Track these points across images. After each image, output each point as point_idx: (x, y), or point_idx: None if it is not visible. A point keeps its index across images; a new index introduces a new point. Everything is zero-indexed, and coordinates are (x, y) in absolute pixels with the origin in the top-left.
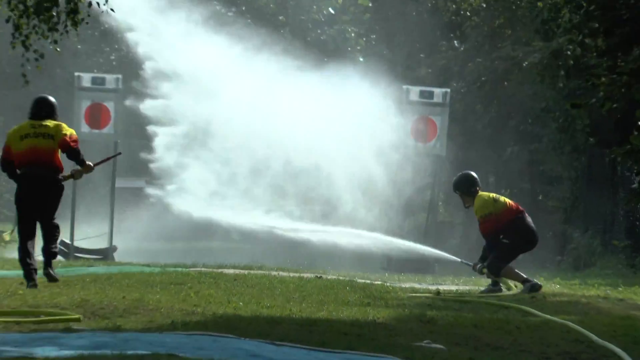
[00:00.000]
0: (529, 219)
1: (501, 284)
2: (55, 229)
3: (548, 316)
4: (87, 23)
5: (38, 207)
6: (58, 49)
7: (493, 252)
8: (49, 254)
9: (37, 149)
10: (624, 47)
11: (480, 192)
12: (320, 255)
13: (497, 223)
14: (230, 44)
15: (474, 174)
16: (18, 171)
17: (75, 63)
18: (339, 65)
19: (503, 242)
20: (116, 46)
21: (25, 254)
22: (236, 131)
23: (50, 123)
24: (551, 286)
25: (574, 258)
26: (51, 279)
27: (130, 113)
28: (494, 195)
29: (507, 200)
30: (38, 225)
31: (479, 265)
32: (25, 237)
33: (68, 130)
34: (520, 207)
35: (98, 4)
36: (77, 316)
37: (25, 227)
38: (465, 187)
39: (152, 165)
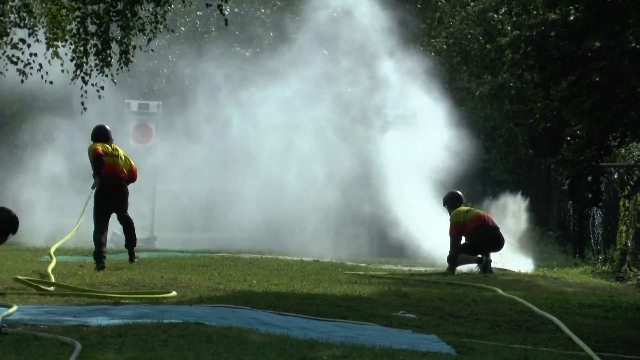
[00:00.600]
0: (492, 228)
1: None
2: (131, 219)
3: (499, 291)
4: (131, 62)
5: (117, 206)
6: (115, 82)
7: (453, 248)
8: (133, 238)
9: (116, 167)
10: (555, 80)
11: (460, 207)
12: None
13: (463, 229)
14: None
15: (459, 192)
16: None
17: (123, 91)
18: None
19: (464, 242)
20: (157, 79)
21: (101, 243)
22: None
23: (119, 149)
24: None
25: (518, 245)
26: (132, 259)
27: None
28: (469, 208)
29: (480, 213)
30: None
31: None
32: (103, 228)
33: (132, 161)
34: (486, 219)
35: (140, 47)
36: (173, 294)
37: (104, 221)
38: (451, 203)
39: None
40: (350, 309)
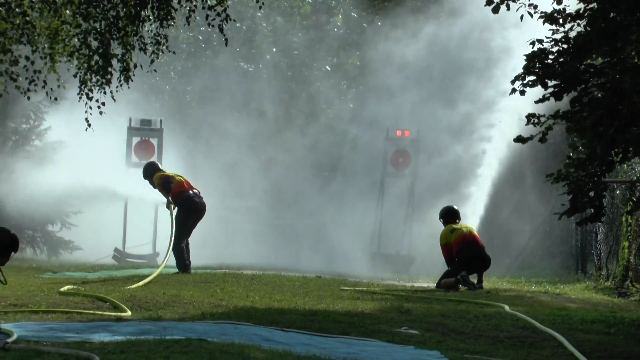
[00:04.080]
0: (476, 249)
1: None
2: None
3: (506, 307)
4: (132, 80)
5: None
6: (115, 99)
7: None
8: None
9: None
10: (557, 96)
11: (448, 225)
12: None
13: (451, 250)
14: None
15: (455, 207)
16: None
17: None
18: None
19: (455, 262)
20: (160, 95)
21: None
22: None
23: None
24: (502, 284)
25: (520, 261)
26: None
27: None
28: (456, 227)
29: (465, 233)
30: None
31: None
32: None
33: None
34: (470, 240)
35: (141, 66)
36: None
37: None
38: (445, 219)
39: None
40: (353, 325)
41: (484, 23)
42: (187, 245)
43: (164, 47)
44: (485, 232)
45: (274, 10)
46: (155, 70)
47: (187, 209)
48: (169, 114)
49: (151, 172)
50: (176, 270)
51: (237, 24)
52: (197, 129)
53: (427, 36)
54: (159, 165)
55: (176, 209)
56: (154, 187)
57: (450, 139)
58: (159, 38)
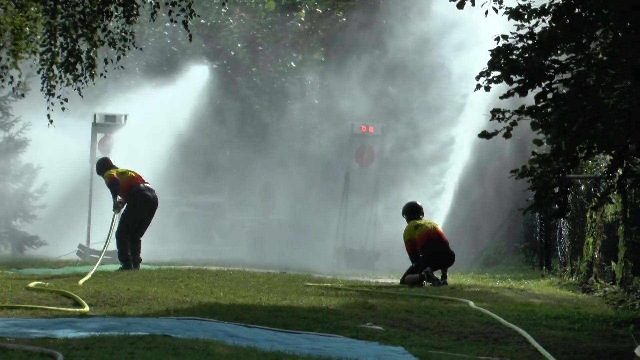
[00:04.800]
0: (440, 245)
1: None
2: None
3: (471, 303)
4: (105, 77)
5: None
6: (82, 95)
7: (410, 266)
8: None
9: None
10: (521, 91)
11: (412, 221)
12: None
13: (415, 246)
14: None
15: (418, 203)
16: None
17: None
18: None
19: (420, 258)
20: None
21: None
22: None
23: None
24: (467, 279)
25: (485, 257)
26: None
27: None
28: (420, 222)
29: (429, 229)
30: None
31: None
32: None
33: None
34: (433, 236)
35: (111, 60)
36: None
37: None
38: (409, 214)
39: None
40: (317, 320)
41: (451, 19)
42: (140, 242)
43: (131, 44)
44: (450, 227)
45: (238, 5)
46: (122, 67)
47: (139, 202)
48: (133, 110)
49: (102, 169)
50: (120, 266)
51: (202, 20)
52: (163, 126)
53: (393, 32)
54: (112, 161)
55: (124, 207)
56: (106, 184)
57: (415, 135)
58: (125, 35)
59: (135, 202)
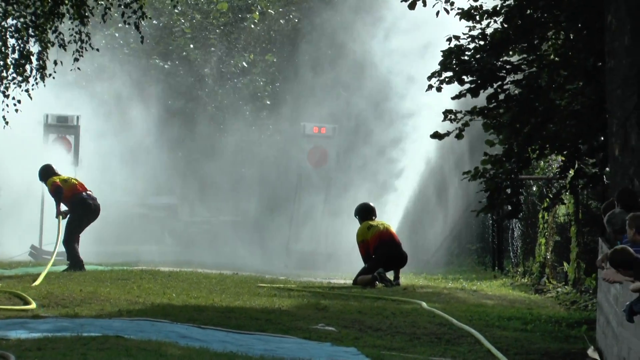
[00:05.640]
0: (393, 246)
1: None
2: None
3: (423, 304)
4: (53, 78)
5: None
6: (31, 97)
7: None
8: None
9: None
10: (473, 92)
11: (364, 222)
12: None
13: (368, 247)
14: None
15: (371, 204)
16: None
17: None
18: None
19: (372, 259)
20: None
21: None
22: None
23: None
24: (419, 280)
25: (437, 258)
26: None
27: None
28: (372, 224)
29: (382, 230)
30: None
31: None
32: None
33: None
34: (386, 237)
35: (62, 63)
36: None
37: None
38: (361, 215)
39: None
40: (269, 322)
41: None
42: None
43: (87, 45)
44: (403, 228)
45: (191, 7)
46: (78, 69)
47: (81, 210)
48: (85, 111)
49: (45, 176)
50: (66, 267)
51: (154, 22)
52: (116, 127)
53: (346, 33)
54: (54, 169)
55: (68, 216)
56: (49, 191)
57: (367, 136)
58: (81, 36)
59: (78, 210)
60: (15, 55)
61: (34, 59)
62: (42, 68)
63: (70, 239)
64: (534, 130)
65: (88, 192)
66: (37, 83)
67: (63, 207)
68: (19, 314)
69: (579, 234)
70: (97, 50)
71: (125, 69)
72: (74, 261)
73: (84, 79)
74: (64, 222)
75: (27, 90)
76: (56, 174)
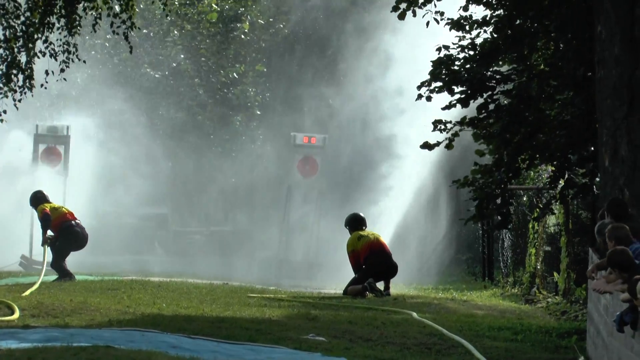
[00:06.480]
0: (383, 257)
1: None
2: None
3: (414, 314)
4: (45, 88)
5: None
6: (17, 108)
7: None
8: None
9: None
10: (463, 102)
11: (355, 232)
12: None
13: (358, 257)
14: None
15: (361, 215)
16: None
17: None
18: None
19: (363, 269)
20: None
21: None
22: None
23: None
24: (410, 290)
25: (428, 268)
26: None
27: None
28: (363, 234)
29: (372, 240)
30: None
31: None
32: None
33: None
34: (376, 248)
35: (52, 72)
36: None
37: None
38: (352, 225)
39: None
40: (260, 332)
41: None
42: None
43: (74, 56)
44: (393, 238)
45: (181, 17)
46: (64, 79)
47: (69, 237)
48: (76, 121)
49: (35, 203)
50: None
51: (144, 31)
52: (105, 137)
53: (335, 43)
54: (45, 195)
55: (56, 241)
56: (38, 217)
57: (359, 146)
58: (68, 47)
59: (66, 237)
60: (2, 67)
61: (22, 68)
62: (29, 78)
63: (59, 262)
64: (524, 140)
65: (77, 220)
66: (24, 93)
67: (50, 233)
68: (9, 324)
69: (569, 244)
70: (84, 62)
71: (115, 79)
72: (64, 274)
73: (73, 89)
74: (49, 250)
75: (19, 100)
76: (47, 201)
